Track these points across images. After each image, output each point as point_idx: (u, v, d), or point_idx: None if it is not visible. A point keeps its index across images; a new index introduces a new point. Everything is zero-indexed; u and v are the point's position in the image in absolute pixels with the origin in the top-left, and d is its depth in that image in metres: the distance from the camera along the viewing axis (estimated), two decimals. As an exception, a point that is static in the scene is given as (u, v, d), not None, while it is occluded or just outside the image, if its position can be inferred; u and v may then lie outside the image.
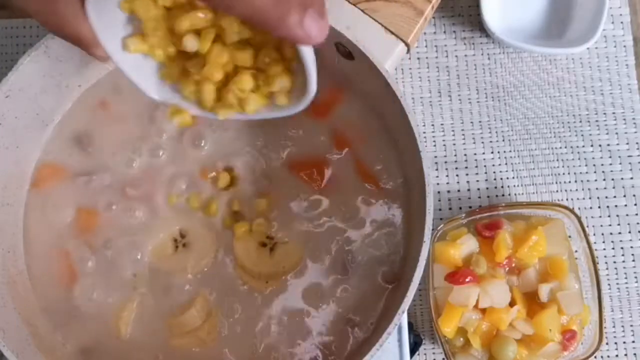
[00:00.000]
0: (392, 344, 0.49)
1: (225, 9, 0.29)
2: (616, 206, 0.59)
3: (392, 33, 0.52)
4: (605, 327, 0.53)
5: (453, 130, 0.60)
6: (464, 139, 0.60)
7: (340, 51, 0.49)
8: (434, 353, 0.57)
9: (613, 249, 0.59)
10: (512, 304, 0.52)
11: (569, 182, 0.60)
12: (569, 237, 0.55)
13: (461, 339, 0.53)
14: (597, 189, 0.60)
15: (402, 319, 0.47)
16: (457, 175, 0.60)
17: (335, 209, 0.51)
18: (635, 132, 0.60)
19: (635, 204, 0.59)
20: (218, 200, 0.52)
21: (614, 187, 0.60)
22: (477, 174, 0.60)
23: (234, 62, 0.37)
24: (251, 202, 0.52)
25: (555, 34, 0.61)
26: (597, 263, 0.54)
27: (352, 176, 0.52)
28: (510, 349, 0.51)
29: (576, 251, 0.55)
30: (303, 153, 0.52)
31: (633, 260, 0.59)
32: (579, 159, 0.60)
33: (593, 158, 0.60)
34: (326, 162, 0.52)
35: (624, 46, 0.62)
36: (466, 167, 0.60)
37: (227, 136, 0.53)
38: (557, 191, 0.60)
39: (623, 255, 0.59)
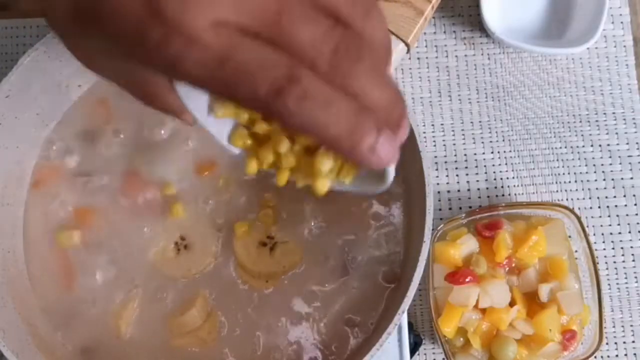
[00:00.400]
0: (392, 344, 0.49)
1: (299, 131, 0.28)
2: (616, 206, 0.59)
3: (392, 33, 0.52)
4: (605, 327, 0.53)
5: (453, 130, 0.60)
6: (464, 139, 0.60)
7: (341, 51, 0.49)
8: (434, 353, 0.57)
9: (613, 249, 0.59)
10: (512, 304, 0.52)
11: (569, 182, 0.60)
12: (569, 237, 0.55)
13: (461, 339, 0.53)
14: (597, 189, 0.60)
15: (402, 319, 0.47)
16: (457, 175, 0.60)
17: (336, 209, 0.51)
18: (635, 132, 0.60)
19: (635, 204, 0.59)
20: (218, 198, 0.52)
21: (614, 187, 0.60)
22: (477, 174, 0.60)
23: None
24: (252, 197, 0.52)
25: (555, 34, 0.61)
26: (597, 263, 0.54)
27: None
28: (510, 349, 0.51)
29: (576, 251, 0.55)
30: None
31: (633, 260, 0.58)
32: (579, 159, 0.60)
33: (593, 158, 0.60)
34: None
35: (624, 46, 0.62)
36: (466, 167, 0.60)
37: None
38: (557, 191, 0.60)
39: (623, 255, 0.59)
